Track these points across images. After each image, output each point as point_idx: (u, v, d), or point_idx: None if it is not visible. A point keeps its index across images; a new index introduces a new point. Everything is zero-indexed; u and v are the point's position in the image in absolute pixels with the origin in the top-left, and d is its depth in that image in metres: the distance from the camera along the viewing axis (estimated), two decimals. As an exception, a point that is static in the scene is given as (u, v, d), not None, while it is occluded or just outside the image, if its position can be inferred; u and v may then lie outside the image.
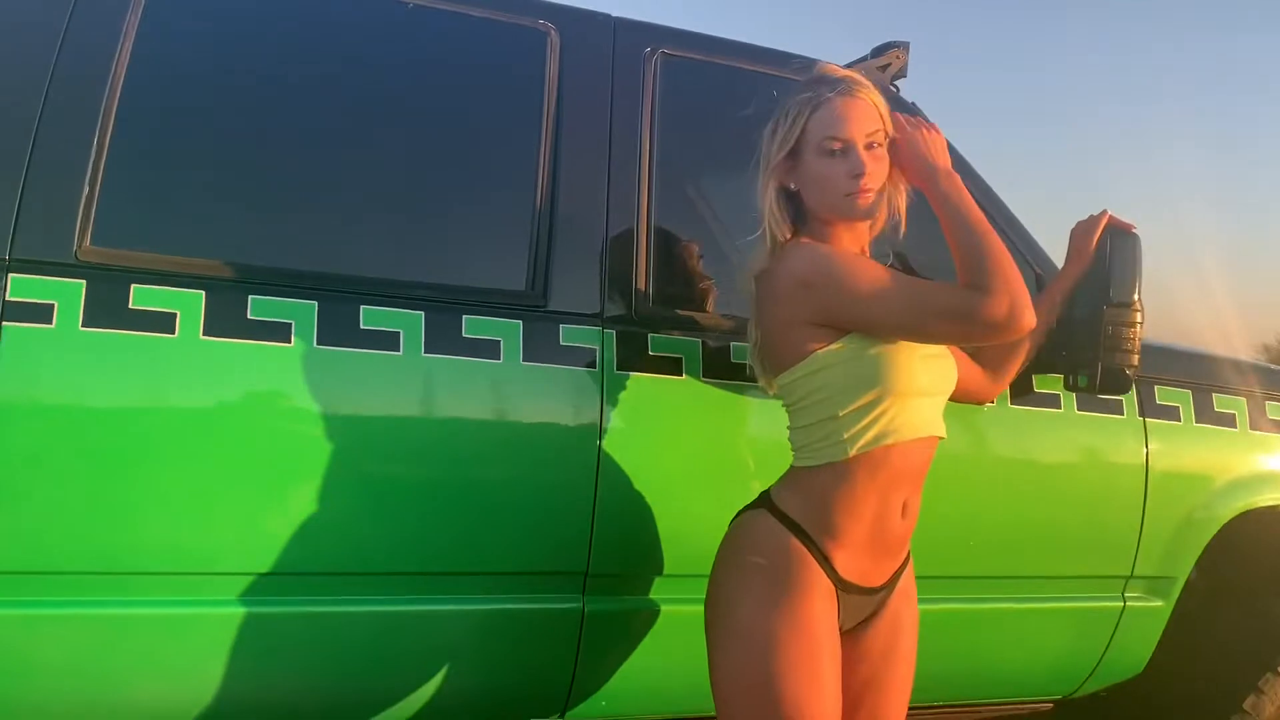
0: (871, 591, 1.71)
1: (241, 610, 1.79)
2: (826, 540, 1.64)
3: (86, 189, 1.74)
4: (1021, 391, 2.25)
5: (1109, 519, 2.36)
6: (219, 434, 1.76)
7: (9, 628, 1.70)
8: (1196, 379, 2.49)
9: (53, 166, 1.73)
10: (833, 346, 1.62)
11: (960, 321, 1.60)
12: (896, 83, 2.51)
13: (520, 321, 1.93)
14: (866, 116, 1.66)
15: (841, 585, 1.65)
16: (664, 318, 2.04)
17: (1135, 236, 2.03)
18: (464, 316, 1.90)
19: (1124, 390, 2.08)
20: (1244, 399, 2.53)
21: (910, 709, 1.84)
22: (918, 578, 1.83)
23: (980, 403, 2.11)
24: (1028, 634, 2.36)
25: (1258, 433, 2.52)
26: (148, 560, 1.75)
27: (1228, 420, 2.48)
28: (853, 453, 1.62)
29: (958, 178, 1.69)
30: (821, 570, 1.63)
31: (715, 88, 2.26)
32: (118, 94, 1.79)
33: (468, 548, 1.91)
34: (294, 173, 1.94)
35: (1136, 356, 2.01)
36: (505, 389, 1.91)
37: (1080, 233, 2.07)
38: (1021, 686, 2.47)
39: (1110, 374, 2.01)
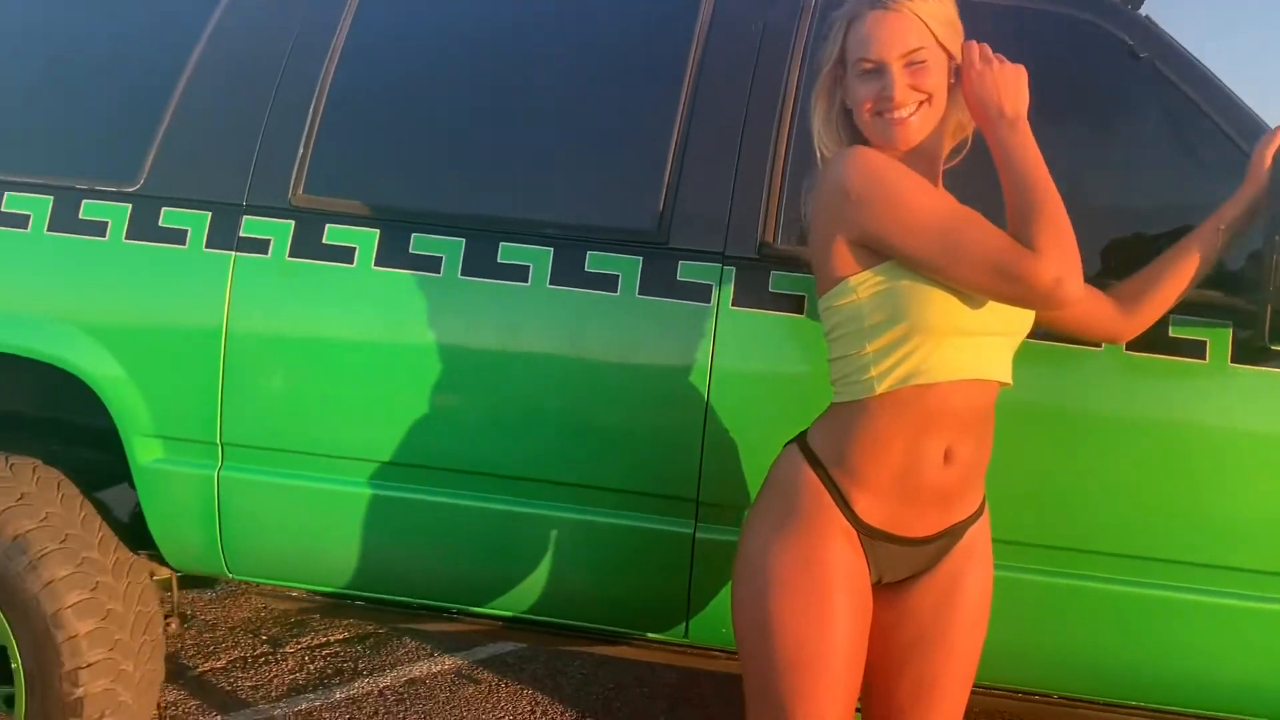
0: (914, 543, 1.61)
1: (407, 495, 2.17)
2: (845, 480, 1.58)
3: (300, 150, 2.20)
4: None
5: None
6: (389, 351, 2.14)
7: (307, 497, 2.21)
8: None
9: (277, 137, 2.21)
10: (866, 273, 1.55)
11: (997, 278, 1.47)
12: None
13: (640, 258, 2.07)
14: (906, 31, 1.54)
15: (864, 530, 1.59)
16: (789, 257, 2.05)
17: None
18: (588, 252, 2.08)
19: None
20: None
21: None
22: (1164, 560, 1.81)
23: (1112, 341, 1.84)
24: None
25: None
26: (347, 447, 2.17)
27: None
28: (879, 390, 1.54)
29: (1025, 126, 1.53)
30: (838, 510, 1.58)
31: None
32: (327, 85, 2.22)
33: (592, 463, 2.10)
34: (448, 131, 2.24)
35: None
36: (621, 321, 2.06)
37: (1260, 147, 1.71)
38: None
39: None
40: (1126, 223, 2.08)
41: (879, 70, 1.55)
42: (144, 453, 2.23)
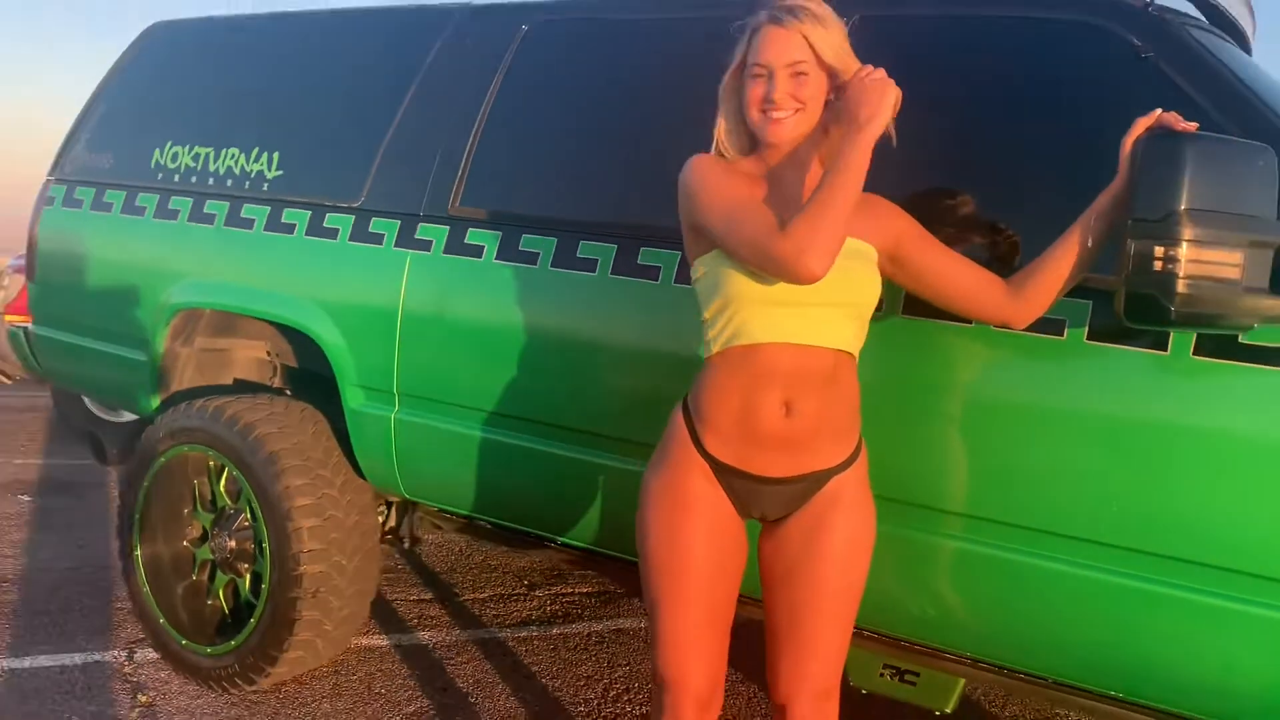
0: (771, 482, 1.91)
1: (514, 441, 2.74)
2: (698, 421, 1.93)
3: (459, 174, 2.87)
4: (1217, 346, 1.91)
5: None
6: (502, 325, 2.72)
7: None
8: None
9: (445, 165, 2.90)
10: (704, 255, 1.91)
11: (756, 253, 1.77)
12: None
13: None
14: (792, 46, 1.83)
15: (715, 465, 1.92)
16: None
17: (1177, 140, 1.67)
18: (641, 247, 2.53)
19: (1161, 322, 1.70)
20: None
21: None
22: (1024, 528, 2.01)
23: (1005, 325, 1.94)
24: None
25: None
26: (474, 399, 2.79)
27: None
28: (715, 350, 1.89)
29: (868, 139, 1.76)
30: (694, 448, 1.93)
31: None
32: (482, 125, 2.88)
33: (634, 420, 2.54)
34: (559, 159, 2.80)
35: (1182, 283, 1.66)
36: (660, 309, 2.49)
37: (1124, 138, 1.77)
38: (1185, 692, 2.02)
39: (1135, 301, 1.70)
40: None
41: (767, 74, 1.87)
42: (352, 399, 3.01)
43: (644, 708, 3.32)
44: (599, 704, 3.34)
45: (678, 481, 1.94)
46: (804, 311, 1.83)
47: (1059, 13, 2.24)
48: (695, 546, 1.93)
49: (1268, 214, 1.71)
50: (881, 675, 2.53)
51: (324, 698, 3.25)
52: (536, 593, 4.33)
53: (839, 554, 1.91)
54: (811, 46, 1.84)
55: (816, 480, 1.90)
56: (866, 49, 1.95)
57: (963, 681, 2.45)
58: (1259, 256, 1.71)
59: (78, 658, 3.42)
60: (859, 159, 1.75)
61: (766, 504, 1.93)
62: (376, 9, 3.38)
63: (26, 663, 3.36)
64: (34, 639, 3.53)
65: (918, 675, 2.49)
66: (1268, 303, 1.71)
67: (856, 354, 1.91)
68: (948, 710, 2.49)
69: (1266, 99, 2.04)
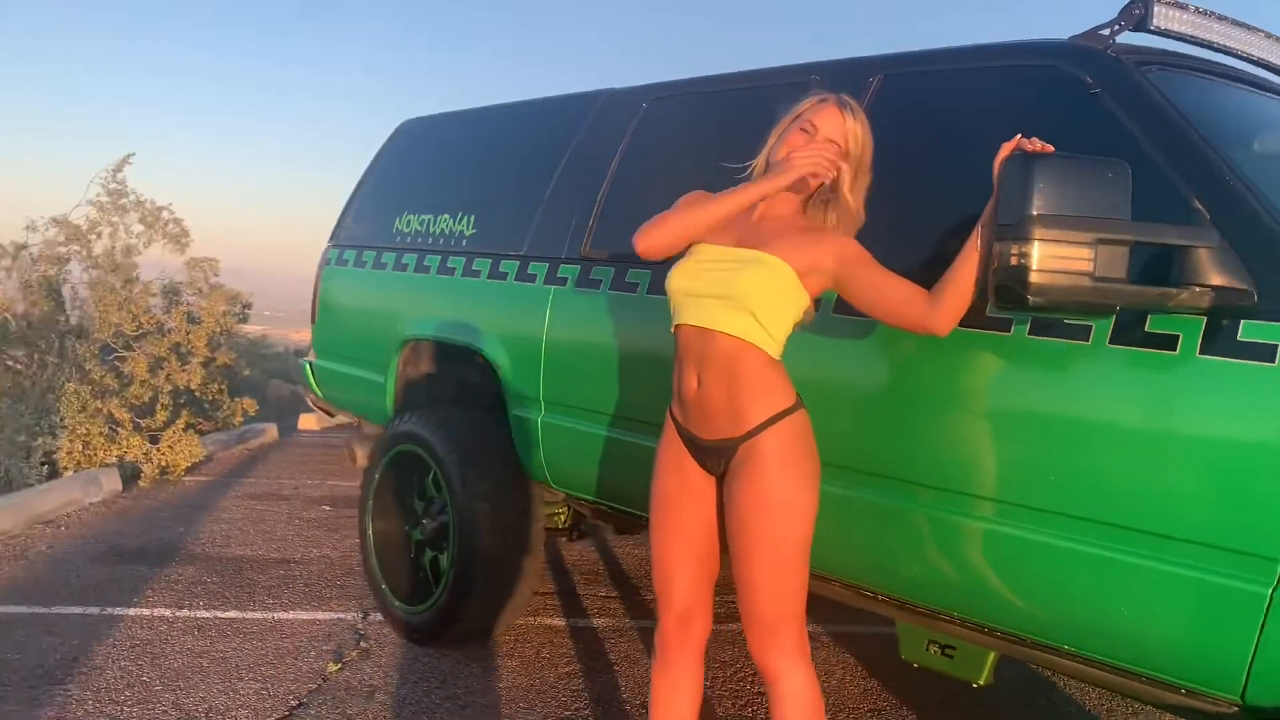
0: (708, 444, 2.40)
1: (625, 438, 3.34)
2: (672, 392, 2.47)
3: (590, 223, 3.56)
4: (1130, 333, 2.21)
5: (1242, 485, 2.04)
6: (618, 347, 3.36)
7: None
8: None
9: (582, 214, 3.60)
10: None
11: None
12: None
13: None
14: (834, 127, 2.38)
15: (679, 428, 2.45)
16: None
17: (1026, 158, 2.02)
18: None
19: (1021, 307, 2.01)
20: None
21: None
22: (984, 498, 2.38)
23: (927, 333, 2.26)
24: (1139, 590, 2.18)
25: None
26: (605, 406, 3.44)
27: None
28: (672, 330, 2.44)
29: (755, 190, 2.34)
30: (670, 414, 2.47)
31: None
32: (611, 178, 3.55)
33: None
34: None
35: (1034, 274, 1.99)
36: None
37: (995, 160, 2.12)
38: (1137, 651, 2.22)
39: (1001, 291, 2.04)
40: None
41: (811, 134, 2.39)
42: (514, 406, 3.74)
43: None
44: (724, 683, 3.82)
45: (662, 441, 2.49)
46: (699, 300, 2.35)
47: (1025, 59, 2.60)
48: (669, 492, 2.47)
49: (1121, 216, 2.02)
50: (928, 650, 2.87)
51: (502, 656, 3.96)
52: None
53: (754, 505, 2.32)
54: (847, 136, 2.37)
55: (733, 445, 2.36)
56: (886, 103, 2.52)
57: (994, 655, 2.74)
58: (1113, 252, 2.02)
59: (324, 615, 4.37)
60: (738, 198, 2.34)
61: (709, 462, 2.42)
62: (552, 98, 4.18)
63: (290, 615, 4.35)
64: (300, 601, 4.53)
65: (954, 649, 2.81)
66: (1119, 289, 2.01)
67: (765, 346, 2.32)
68: (979, 682, 2.78)
69: (1204, 133, 2.29)
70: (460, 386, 4.31)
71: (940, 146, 2.75)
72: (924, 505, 2.54)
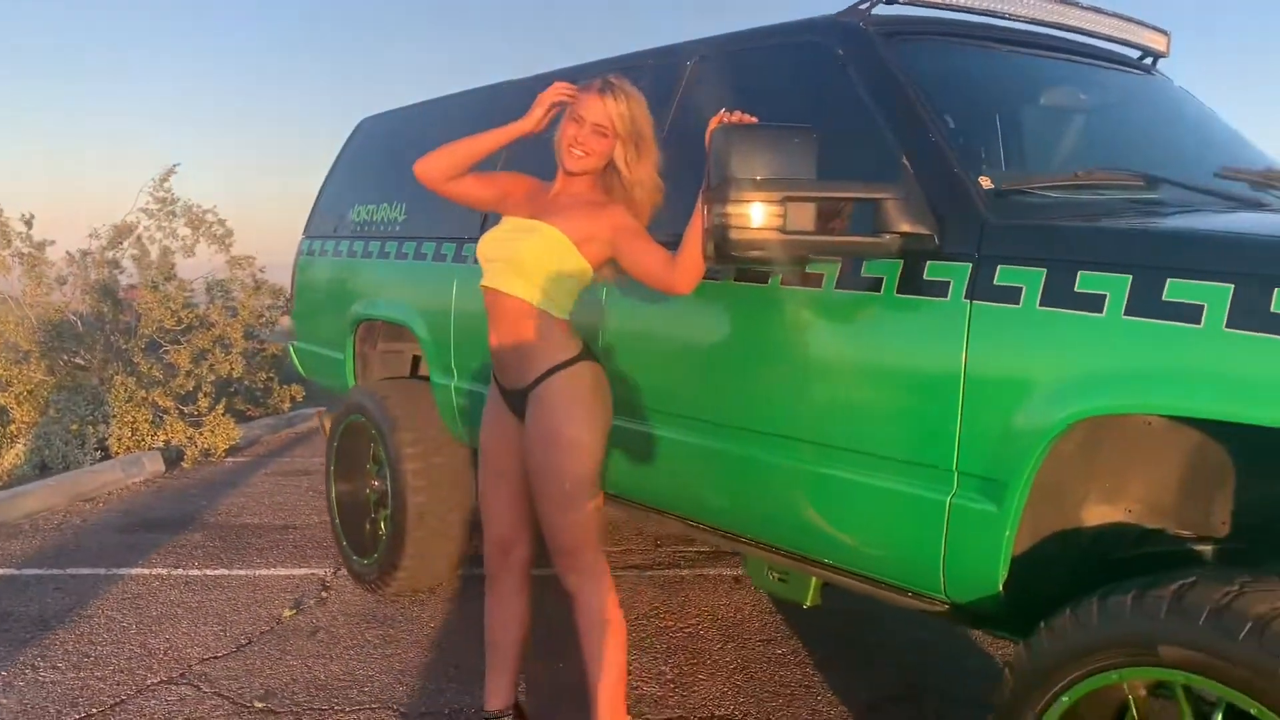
0: (509, 391, 2.76)
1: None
2: None
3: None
4: (847, 278, 2.49)
5: (924, 406, 2.31)
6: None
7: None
8: (1072, 254, 2.11)
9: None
10: None
11: None
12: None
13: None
14: (598, 112, 2.67)
15: (495, 379, 2.80)
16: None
17: (724, 129, 2.30)
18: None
19: (727, 260, 2.30)
20: (1128, 276, 2.00)
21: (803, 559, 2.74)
22: (775, 434, 2.65)
23: (673, 292, 2.57)
24: (857, 504, 2.47)
25: (1137, 320, 1.97)
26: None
27: (1093, 303, 2.04)
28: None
29: (497, 134, 2.79)
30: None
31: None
32: (502, 162, 3.90)
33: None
34: None
35: (734, 231, 2.28)
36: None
37: (707, 132, 2.40)
38: (872, 561, 2.50)
39: (712, 246, 2.33)
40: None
41: (580, 123, 2.71)
42: (434, 375, 4.14)
43: (679, 627, 4.11)
44: (660, 615, 4.18)
45: (489, 391, 2.86)
46: (493, 264, 2.71)
47: (798, 36, 2.87)
48: (490, 435, 2.85)
49: (806, 176, 2.30)
50: (769, 577, 3.18)
51: (442, 601, 4.39)
52: (660, 548, 5.19)
53: (538, 445, 2.67)
54: (612, 120, 2.67)
55: (524, 392, 2.70)
56: (701, 84, 2.90)
57: (816, 581, 3.04)
58: (801, 209, 2.30)
59: (301, 571, 4.86)
60: (494, 135, 2.82)
61: (515, 406, 2.76)
62: (476, 89, 4.53)
63: (271, 571, 4.85)
64: (285, 560, 5.04)
65: (787, 576, 3.11)
66: (808, 240, 2.29)
67: (545, 306, 2.65)
68: (806, 603, 3.08)
69: (924, 96, 2.54)
70: (403, 360, 4.72)
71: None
72: (703, 438, 2.87)
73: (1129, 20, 3.24)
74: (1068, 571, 2.34)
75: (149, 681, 3.60)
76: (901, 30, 2.76)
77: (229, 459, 7.80)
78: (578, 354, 2.70)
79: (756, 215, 2.29)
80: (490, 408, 2.86)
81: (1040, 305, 2.10)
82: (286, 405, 9.56)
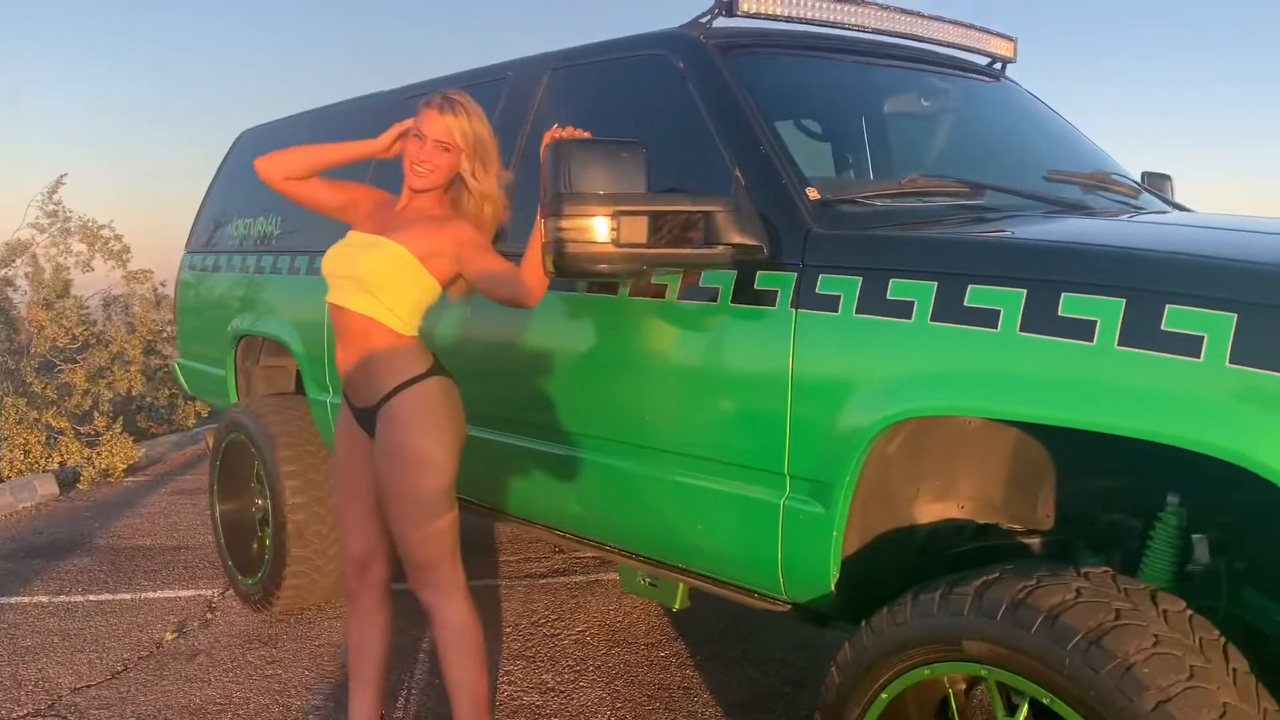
0: (359, 410, 2.74)
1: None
2: None
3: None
4: (689, 289, 2.53)
5: (758, 412, 2.36)
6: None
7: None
8: (887, 264, 2.18)
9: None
10: None
11: None
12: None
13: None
14: (439, 128, 2.65)
15: (346, 397, 2.79)
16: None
17: (555, 145, 2.32)
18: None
19: (566, 275, 2.33)
20: (934, 284, 2.07)
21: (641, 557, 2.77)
22: (627, 442, 2.67)
23: (518, 305, 2.58)
24: (702, 509, 2.52)
25: (942, 325, 2.04)
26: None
27: (902, 310, 2.11)
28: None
29: (342, 148, 2.81)
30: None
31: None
32: (370, 175, 3.88)
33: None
34: None
35: (569, 245, 2.31)
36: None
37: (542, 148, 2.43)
38: (721, 565, 2.56)
39: (549, 260, 2.35)
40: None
41: (421, 139, 2.69)
42: (311, 391, 4.10)
43: (575, 631, 4.13)
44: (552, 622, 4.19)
45: (340, 409, 2.84)
46: (337, 280, 2.69)
47: (645, 49, 2.91)
48: (342, 454, 2.83)
49: (637, 190, 2.33)
50: (640, 582, 3.21)
51: (327, 620, 4.35)
52: (557, 556, 5.21)
53: (386, 463, 2.66)
54: (454, 135, 2.64)
55: (373, 410, 2.69)
56: (557, 94, 2.94)
57: (683, 586, 3.07)
58: (634, 222, 2.33)
59: (188, 593, 4.78)
60: (339, 149, 2.83)
61: (366, 425, 2.75)
62: (351, 99, 4.50)
63: (156, 595, 4.77)
64: (173, 582, 4.95)
65: (656, 581, 3.15)
66: (643, 253, 2.33)
67: (389, 322, 2.63)
68: (676, 607, 3.12)
69: (760, 109, 2.59)
70: (286, 375, 4.68)
71: (592, 129, 3.06)
72: (561, 447, 2.90)
73: (973, 28, 3.34)
74: (909, 568, 2.41)
75: (15, 714, 3.52)
76: (742, 44, 2.81)
77: (128, 479, 7.63)
78: (426, 370, 2.70)
79: (590, 229, 2.32)
80: (341, 426, 2.85)
81: (856, 313, 2.16)
82: (192, 422, 9.39)
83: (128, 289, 9.16)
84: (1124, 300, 1.80)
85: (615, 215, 2.32)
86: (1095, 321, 1.82)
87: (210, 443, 4.94)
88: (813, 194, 2.41)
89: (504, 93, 3.37)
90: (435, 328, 3.12)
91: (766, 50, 2.86)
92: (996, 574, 1.92)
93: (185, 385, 5.46)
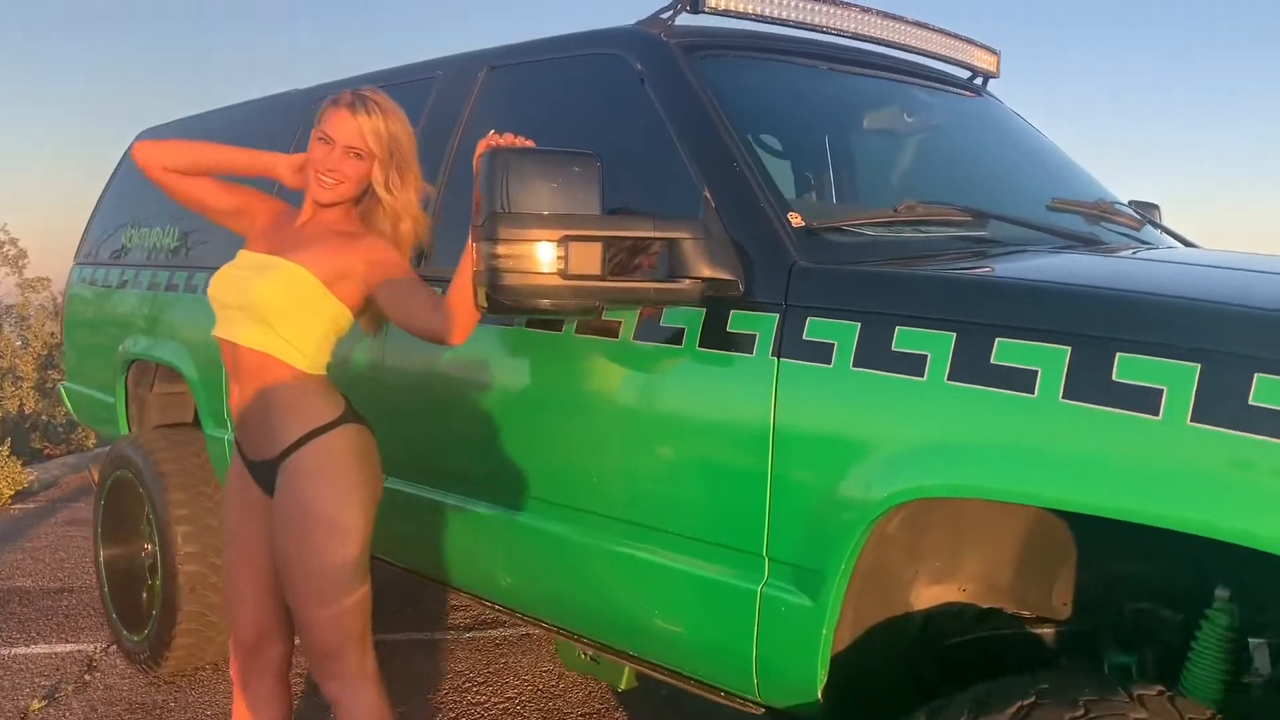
0: (255, 464, 2.30)
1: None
2: None
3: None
4: (647, 328, 2.14)
5: (729, 481, 1.97)
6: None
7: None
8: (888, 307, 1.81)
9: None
10: None
11: None
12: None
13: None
14: (351, 132, 2.24)
15: (238, 448, 2.33)
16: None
17: (491, 154, 1.92)
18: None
19: (502, 309, 1.93)
20: (953, 334, 1.70)
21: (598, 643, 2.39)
22: (567, 506, 2.27)
23: (441, 342, 2.17)
24: (658, 590, 2.13)
25: (963, 385, 1.67)
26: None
27: (912, 365, 1.74)
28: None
29: (241, 155, 2.44)
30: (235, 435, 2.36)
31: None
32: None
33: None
34: None
35: (506, 276, 1.91)
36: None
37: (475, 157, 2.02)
38: (678, 655, 2.17)
39: (485, 294, 1.95)
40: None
41: (329, 144, 2.24)
42: (207, 426, 3.62)
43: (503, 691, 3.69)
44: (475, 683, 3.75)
45: (230, 464, 2.39)
46: (225, 311, 2.25)
47: (596, 48, 2.52)
48: (233, 517, 2.38)
49: (589, 211, 1.94)
50: (582, 658, 2.79)
51: (222, 681, 3.85)
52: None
53: (288, 530, 2.22)
54: (366, 138, 2.22)
55: (273, 465, 2.25)
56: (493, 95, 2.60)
57: (629, 669, 2.66)
58: (585, 249, 1.94)
59: (66, 648, 4.24)
60: (240, 154, 2.45)
61: (264, 482, 2.31)
62: (253, 100, 4.05)
63: (30, 650, 4.22)
64: (50, 634, 4.40)
65: (599, 660, 2.74)
66: (595, 286, 1.93)
67: (290, 360, 2.21)
68: (621, 687, 2.72)
69: (729, 119, 2.22)
70: (184, 404, 4.19)
71: (534, 137, 2.67)
72: (489, 506, 2.50)
73: (958, 38, 3.01)
74: (900, 662, 2.05)
75: None
76: (709, 44, 2.44)
77: (15, 505, 6.99)
78: (337, 417, 2.26)
79: (532, 257, 1.92)
80: (233, 482, 2.40)
81: (854, 366, 1.79)
82: (92, 441, 8.74)
83: (22, 298, 8.50)
84: (1198, 366, 1.45)
85: (563, 241, 1.92)
86: (1162, 391, 1.47)
87: (95, 477, 4.42)
88: (796, 220, 2.04)
89: (431, 94, 2.95)
90: (345, 361, 2.68)
91: (736, 53, 2.49)
92: (1032, 697, 1.56)
93: (73, 411, 4.92)
